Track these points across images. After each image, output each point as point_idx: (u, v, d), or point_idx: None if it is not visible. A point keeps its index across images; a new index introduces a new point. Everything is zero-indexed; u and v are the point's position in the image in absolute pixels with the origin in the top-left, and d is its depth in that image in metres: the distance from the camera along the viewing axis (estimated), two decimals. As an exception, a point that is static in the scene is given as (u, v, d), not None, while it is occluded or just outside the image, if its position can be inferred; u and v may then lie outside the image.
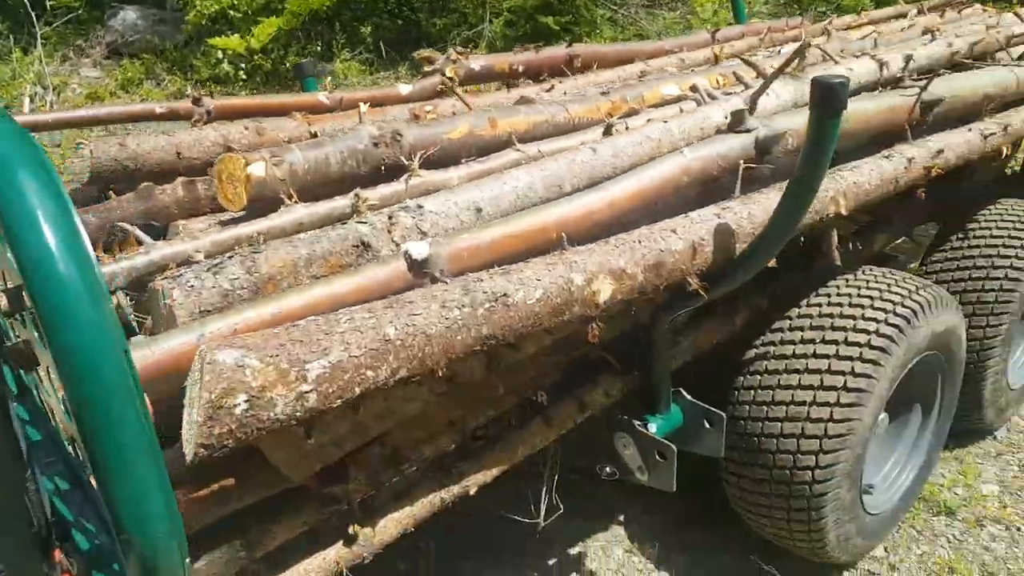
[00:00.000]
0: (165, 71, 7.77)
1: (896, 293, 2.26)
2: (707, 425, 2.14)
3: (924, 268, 2.83)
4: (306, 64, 2.80)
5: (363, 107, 2.33)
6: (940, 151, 2.17)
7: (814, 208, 1.86)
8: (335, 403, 1.15)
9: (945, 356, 2.43)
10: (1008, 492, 2.76)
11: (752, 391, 2.22)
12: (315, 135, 2.35)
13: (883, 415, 2.27)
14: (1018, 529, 2.61)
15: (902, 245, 3.21)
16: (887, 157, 2.08)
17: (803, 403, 2.12)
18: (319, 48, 7.64)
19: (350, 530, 1.54)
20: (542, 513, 2.05)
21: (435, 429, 1.75)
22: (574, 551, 2.52)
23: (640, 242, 1.60)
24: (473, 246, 1.49)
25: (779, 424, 2.15)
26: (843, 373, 2.10)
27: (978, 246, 2.75)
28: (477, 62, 2.97)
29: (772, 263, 1.80)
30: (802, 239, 2.38)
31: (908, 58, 2.49)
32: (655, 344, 2.02)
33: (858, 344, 2.12)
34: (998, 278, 2.66)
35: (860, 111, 2.10)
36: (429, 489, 1.68)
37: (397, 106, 2.73)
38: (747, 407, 2.21)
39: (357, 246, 1.49)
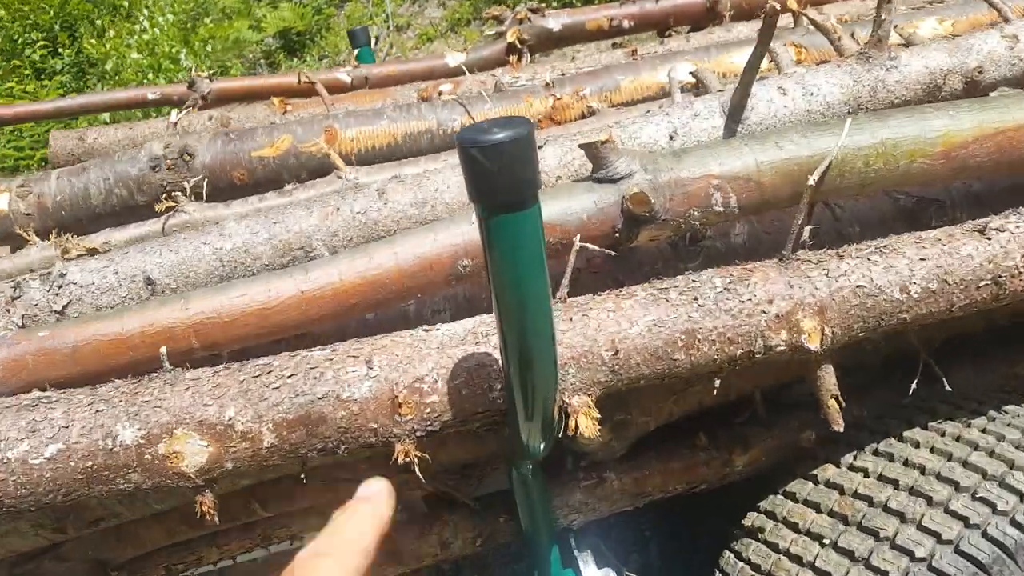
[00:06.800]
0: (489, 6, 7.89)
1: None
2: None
3: None
4: (359, 32, 2.40)
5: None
6: None
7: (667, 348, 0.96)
8: None
9: None
10: None
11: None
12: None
13: None
14: None
15: None
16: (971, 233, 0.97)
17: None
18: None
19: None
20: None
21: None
22: None
23: (281, 381, 0.97)
24: (46, 349, 1.05)
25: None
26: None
27: None
28: (556, 20, 2.25)
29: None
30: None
31: None
32: (513, 491, 1.31)
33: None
34: None
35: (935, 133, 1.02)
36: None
37: (445, 81, 2.22)
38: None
39: (-41, 325, 1.16)
